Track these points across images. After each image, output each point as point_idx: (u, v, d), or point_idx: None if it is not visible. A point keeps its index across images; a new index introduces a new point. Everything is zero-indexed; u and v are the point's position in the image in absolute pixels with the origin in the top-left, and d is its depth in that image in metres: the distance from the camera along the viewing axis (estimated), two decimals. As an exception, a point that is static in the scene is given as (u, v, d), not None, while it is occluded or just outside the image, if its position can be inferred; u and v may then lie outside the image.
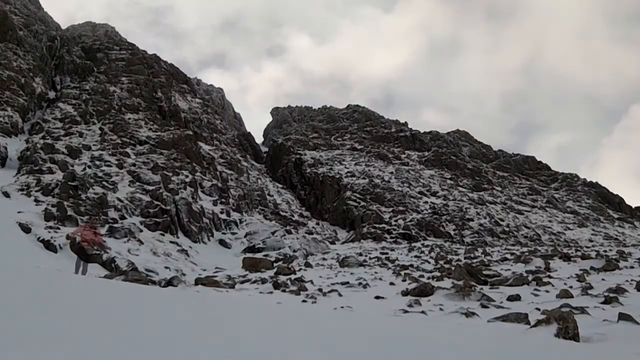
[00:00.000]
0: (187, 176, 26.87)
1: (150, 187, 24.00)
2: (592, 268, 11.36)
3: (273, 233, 24.54)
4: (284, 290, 9.77)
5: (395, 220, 32.79)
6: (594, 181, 52.15)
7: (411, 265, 15.33)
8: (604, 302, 6.32)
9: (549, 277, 10.28)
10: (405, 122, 61.42)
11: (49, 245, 15.16)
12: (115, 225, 18.98)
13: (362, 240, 28.85)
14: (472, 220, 34.10)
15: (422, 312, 6.19)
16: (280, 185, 40.08)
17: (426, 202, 36.83)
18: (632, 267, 11.78)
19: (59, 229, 16.87)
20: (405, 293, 8.63)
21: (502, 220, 35.77)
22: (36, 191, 20.25)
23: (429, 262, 16.88)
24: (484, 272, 10.91)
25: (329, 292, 9.19)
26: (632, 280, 8.80)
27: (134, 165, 26.31)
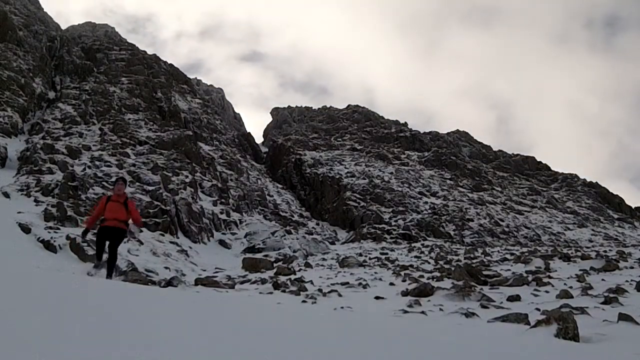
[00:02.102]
0: (187, 176, 26.87)
1: (150, 188, 24.01)
2: (592, 268, 11.36)
3: (273, 233, 24.53)
4: (283, 291, 9.77)
5: (395, 221, 32.78)
6: (594, 181, 52.17)
7: (411, 266, 15.32)
8: (604, 303, 6.32)
9: (549, 277, 10.28)
10: (405, 123, 61.43)
11: (48, 246, 15.16)
12: (115, 225, 18.97)
13: (362, 241, 28.84)
14: (472, 220, 34.10)
15: (422, 312, 6.19)
16: (280, 186, 40.07)
17: (426, 203, 36.82)
18: (632, 268, 11.78)
19: (58, 229, 16.86)
20: (405, 293, 8.63)
21: (502, 220, 35.78)
22: (36, 191, 20.24)
23: (429, 263, 16.88)
24: (484, 273, 10.91)
25: (329, 292, 9.19)
26: (632, 280, 8.80)
27: (133, 165, 26.31)
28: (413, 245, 26.68)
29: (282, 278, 12.35)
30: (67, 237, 15.58)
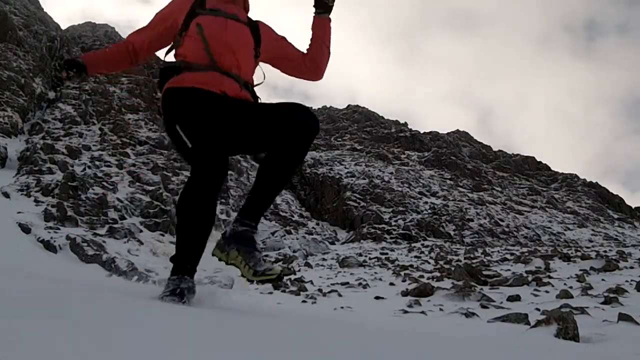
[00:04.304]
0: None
1: (150, 188, 24.01)
2: (592, 268, 11.35)
3: (273, 233, 24.54)
4: (283, 291, 9.78)
5: (395, 221, 32.78)
6: (594, 181, 52.21)
7: (411, 266, 15.32)
8: (604, 303, 6.31)
9: (549, 277, 10.28)
10: (405, 123, 61.42)
11: (48, 246, 15.15)
12: (115, 225, 18.99)
13: (362, 241, 28.85)
14: (472, 220, 34.10)
15: (422, 312, 6.18)
16: (280, 186, 40.04)
17: (426, 203, 36.83)
18: (632, 268, 11.77)
19: (58, 229, 16.86)
20: (405, 293, 8.62)
21: (502, 220, 35.77)
22: (36, 191, 20.24)
23: (429, 263, 16.87)
24: (484, 273, 10.90)
25: (329, 292, 9.19)
26: (632, 280, 8.79)
27: (133, 165, 26.32)
28: (413, 245, 26.67)
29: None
30: (67, 237, 15.58)
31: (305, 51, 2.59)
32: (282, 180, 2.30)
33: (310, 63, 2.57)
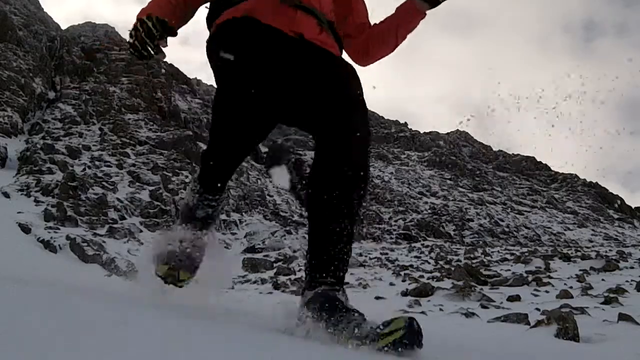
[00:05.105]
0: (187, 177, 26.88)
1: (150, 188, 24.02)
2: (592, 268, 11.36)
3: (273, 233, 24.56)
4: (283, 291, 9.79)
5: (395, 221, 32.80)
6: (594, 181, 52.19)
7: (411, 266, 15.33)
8: (604, 303, 6.31)
9: (549, 277, 10.29)
10: (405, 123, 61.45)
11: (48, 246, 15.16)
12: (115, 225, 18.99)
13: (361, 241, 28.86)
14: (472, 220, 34.11)
15: (422, 312, 6.18)
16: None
17: (426, 203, 36.85)
18: (632, 268, 11.78)
19: (58, 229, 16.87)
20: (405, 293, 8.62)
21: (502, 220, 35.79)
22: (36, 191, 20.26)
23: (429, 263, 16.88)
24: (484, 273, 10.91)
25: (329, 292, 9.17)
26: (632, 280, 8.80)
27: (133, 165, 26.33)
28: (413, 245, 26.68)
29: (282, 278, 12.36)
30: (67, 237, 15.58)
31: (372, 24, 1.94)
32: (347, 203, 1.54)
33: (365, 40, 1.92)
